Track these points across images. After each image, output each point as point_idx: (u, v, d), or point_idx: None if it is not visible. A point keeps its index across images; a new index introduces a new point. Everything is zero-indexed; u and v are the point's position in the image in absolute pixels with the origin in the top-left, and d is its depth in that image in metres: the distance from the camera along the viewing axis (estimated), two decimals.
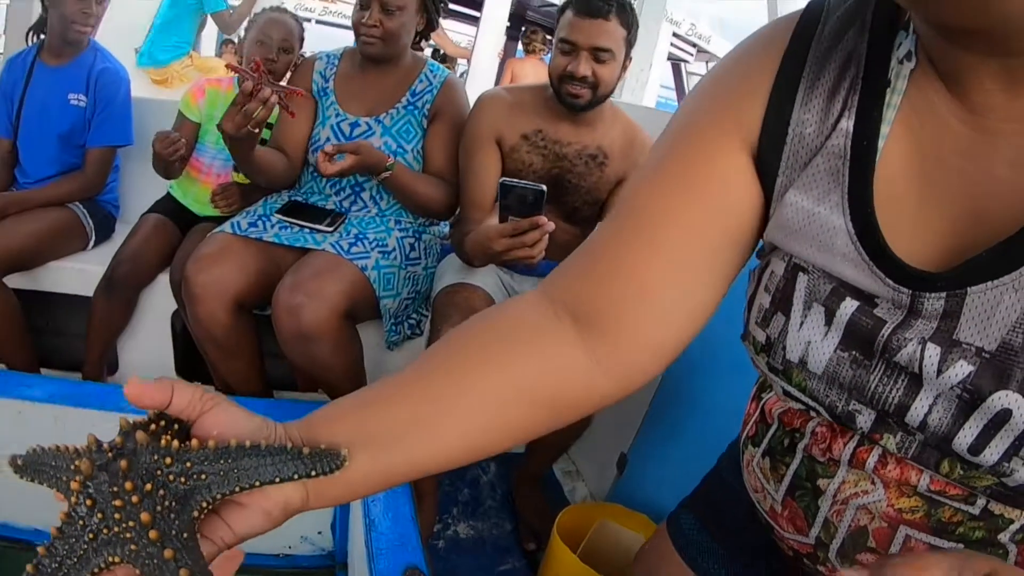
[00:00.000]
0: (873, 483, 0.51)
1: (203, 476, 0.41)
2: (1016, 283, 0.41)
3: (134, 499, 0.40)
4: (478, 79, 5.24)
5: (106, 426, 0.44)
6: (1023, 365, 0.41)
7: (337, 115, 1.70)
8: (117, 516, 0.40)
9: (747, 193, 0.53)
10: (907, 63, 0.46)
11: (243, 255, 1.53)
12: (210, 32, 4.44)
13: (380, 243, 1.59)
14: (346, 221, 1.66)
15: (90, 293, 1.79)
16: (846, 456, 0.52)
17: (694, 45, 8.77)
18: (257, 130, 1.42)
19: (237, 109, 1.37)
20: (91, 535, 0.40)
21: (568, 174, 1.58)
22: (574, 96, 1.49)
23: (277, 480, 0.42)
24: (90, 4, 1.82)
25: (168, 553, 0.39)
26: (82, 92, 1.88)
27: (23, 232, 1.78)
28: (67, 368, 1.91)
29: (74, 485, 0.41)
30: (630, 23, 1.50)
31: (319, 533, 1.45)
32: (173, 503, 0.41)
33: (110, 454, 0.41)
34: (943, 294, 0.43)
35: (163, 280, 1.82)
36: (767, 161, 0.51)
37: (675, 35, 8.12)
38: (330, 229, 1.60)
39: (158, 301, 1.84)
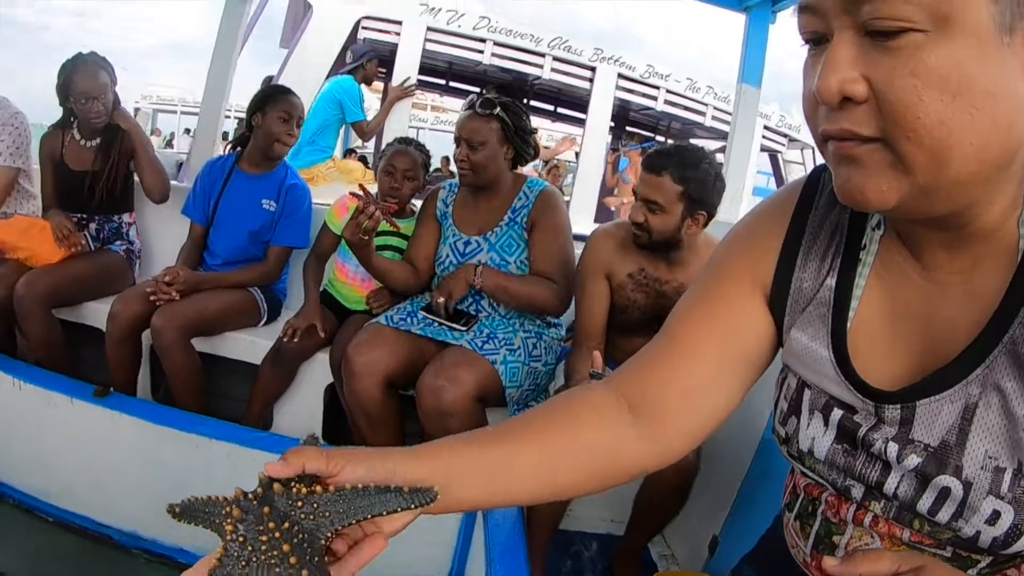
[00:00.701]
0: (872, 537, 0.65)
1: (327, 514, 0.52)
2: (951, 397, 0.56)
3: (276, 535, 0.51)
4: (587, 176, 5.61)
5: (266, 462, 0.58)
6: (955, 457, 0.56)
7: (454, 235, 2.02)
8: (263, 548, 0.50)
9: (760, 324, 0.70)
10: (878, 230, 0.63)
11: (395, 343, 1.84)
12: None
13: (508, 342, 1.86)
14: (479, 322, 1.94)
15: (258, 361, 2.11)
16: (849, 517, 0.67)
17: (785, 135, 8.85)
18: (367, 236, 1.79)
19: (353, 222, 1.76)
20: (244, 563, 0.50)
21: (666, 310, 1.78)
22: (636, 236, 1.72)
23: (384, 513, 0.53)
24: (292, 127, 2.19)
25: (305, 573, 0.50)
26: (273, 199, 2.24)
27: (212, 306, 2.12)
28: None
29: (228, 528, 0.51)
30: (687, 178, 1.62)
31: None
32: (305, 535, 0.52)
33: (254, 502, 0.52)
34: (899, 406, 0.59)
35: (319, 357, 2.13)
36: (777, 305, 0.69)
37: (766, 128, 8.26)
38: (464, 328, 1.89)
39: (315, 374, 2.14)
